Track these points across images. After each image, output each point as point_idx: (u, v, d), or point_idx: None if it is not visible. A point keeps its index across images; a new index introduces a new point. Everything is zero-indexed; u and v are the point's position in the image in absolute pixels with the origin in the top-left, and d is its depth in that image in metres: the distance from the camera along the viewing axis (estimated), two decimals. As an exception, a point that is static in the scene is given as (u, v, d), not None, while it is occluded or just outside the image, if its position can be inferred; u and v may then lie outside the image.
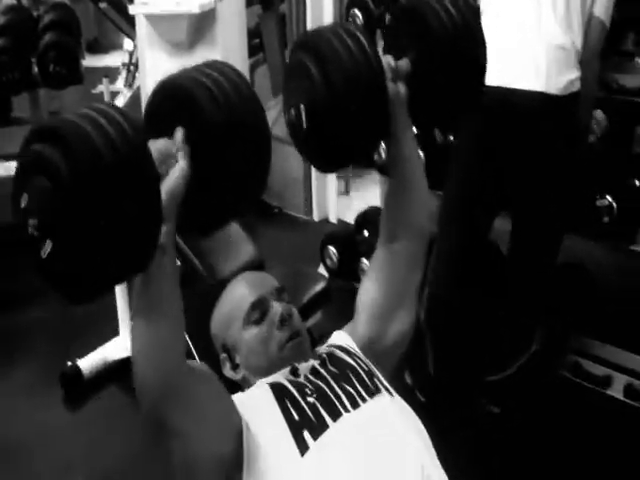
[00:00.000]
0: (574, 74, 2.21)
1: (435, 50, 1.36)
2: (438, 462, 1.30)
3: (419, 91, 1.37)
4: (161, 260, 1.09)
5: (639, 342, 2.67)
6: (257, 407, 1.30)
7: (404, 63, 1.37)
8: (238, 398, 1.33)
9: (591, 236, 2.57)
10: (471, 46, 1.39)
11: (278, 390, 1.32)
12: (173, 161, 1.12)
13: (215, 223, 1.23)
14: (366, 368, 1.40)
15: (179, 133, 1.14)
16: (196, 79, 1.14)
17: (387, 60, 1.35)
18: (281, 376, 1.37)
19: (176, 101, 1.14)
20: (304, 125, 1.28)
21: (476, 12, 1.40)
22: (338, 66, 1.24)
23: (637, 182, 2.42)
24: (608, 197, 2.43)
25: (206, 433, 1.21)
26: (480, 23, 1.42)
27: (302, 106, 1.28)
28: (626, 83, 2.43)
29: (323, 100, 1.25)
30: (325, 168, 1.39)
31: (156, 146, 1.11)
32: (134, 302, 1.14)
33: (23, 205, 0.99)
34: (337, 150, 1.31)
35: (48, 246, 0.97)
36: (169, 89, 1.16)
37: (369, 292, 1.47)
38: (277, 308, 1.46)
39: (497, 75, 1.85)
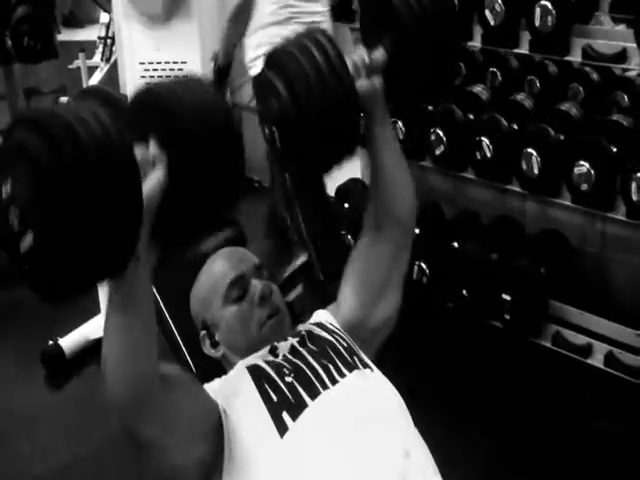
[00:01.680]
0: None
1: (407, 34, 1.36)
2: (417, 432, 1.31)
3: (396, 77, 1.37)
4: (135, 267, 1.07)
5: (619, 310, 2.69)
6: (235, 392, 1.29)
7: (379, 54, 1.36)
8: (216, 385, 1.32)
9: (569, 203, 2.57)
10: (441, 27, 1.39)
11: (255, 372, 1.31)
12: (148, 168, 1.11)
13: (189, 237, 1.23)
14: (345, 344, 1.40)
15: (153, 142, 1.13)
16: (170, 89, 1.15)
17: (361, 56, 1.34)
18: (259, 357, 1.37)
19: (151, 111, 1.15)
20: (278, 144, 1.30)
21: None
22: (304, 83, 1.24)
23: (614, 149, 2.42)
24: (585, 164, 2.43)
25: (181, 441, 1.20)
26: (452, 4, 1.44)
27: (274, 127, 1.30)
28: (601, 49, 2.43)
29: (292, 118, 1.26)
30: (303, 179, 1.42)
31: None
32: (107, 306, 1.12)
33: (4, 195, 0.98)
34: (313, 164, 1.34)
35: (28, 240, 0.96)
36: (144, 100, 1.17)
37: (354, 277, 1.47)
38: (257, 286, 1.46)
39: None
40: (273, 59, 1.33)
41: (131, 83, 3.46)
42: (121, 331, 1.11)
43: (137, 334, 1.11)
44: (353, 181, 3.34)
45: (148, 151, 1.12)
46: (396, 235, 1.44)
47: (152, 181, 1.10)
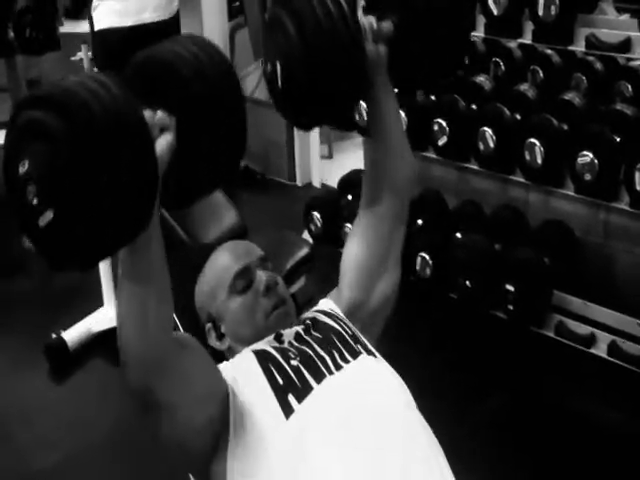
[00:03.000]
0: None
1: (417, 13, 1.36)
2: (421, 417, 1.31)
3: (400, 53, 1.36)
4: (148, 231, 1.07)
5: (622, 300, 2.69)
6: (242, 374, 1.30)
7: (386, 25, 1.36)
8: (223, 367, 1.33)
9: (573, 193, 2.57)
10: (454, 10, 1.39)
11: (262, 356, 1.33)
12: (156, 131, 1.11)
13: (196, 194, 1.23)
14: (350, 332, 1.41)
15: (160, 109, 1.12)
16: (176, 52, 1.14)
17: (369, 20, 1.35)
18: (266, 343, 1.38)
19: (157, 73, 1.14)
20: (279, 82, 1.28)
21: None
22: (313, 22, 1.24)
23: (618, 138, 2.41)
24: (589, 154, 2.42)
25: (194, 400, 1.21)
26: None
27: (277, 63, 1.28)
28: (605, 39, 2.42)
29: (298, 56, 1.25)
30: (300, 125, 1.39)
31: None
32: (121, 269, 1.12)
33: (21, 172, 0.98)
34: (312, 107, 1.31)
35: (48, 215, 0.96)
36: (150, 61, 1.16)
37: (352, 256, 1.48)
38: (262, 277, 1.47)
39: None
40: None
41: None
42: (136, 299, 1.12)
43: (153, 295, 1.12)
44: (356, 173, 3.34)
45: (155, 115, 1.12)
46: (392, 205, 1.45)
47: (161, 145, 1.10)
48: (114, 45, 2.83)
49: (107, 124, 0.96)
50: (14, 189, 1.00)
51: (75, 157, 0.95)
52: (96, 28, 2.87)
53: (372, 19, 1.36)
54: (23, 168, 0.98)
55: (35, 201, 0.97)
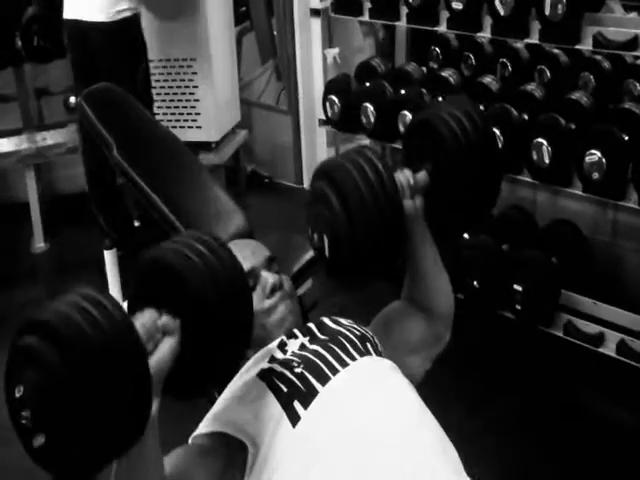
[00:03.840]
0: None
1: (450, 161, 1.39)
2: (432, 415, 1.30)
3: (436, 201, 1.41)
4: (146, 433, 1.06)
5: (631, 299, 2.69)
6: (257, 413, 1.26)
7: (422, 176, 1.40)
8: (238, 418, 1.27)
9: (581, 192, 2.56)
10: (484, 155, 1.41)
11: (265, 375, 1.30)
12: (159, 335, 1.11)
13: (196, 391, 1.23)
14: (358, 333, 1.39)
15: (164, 313, 1.13)
16: (183, 254, 1.14)
17: (406, 176, 1.38)
18: (268, 353, 1.35)
19: (164, 277, 1.14)
20: (326, 253, 1.33)
21: (487, 122, 1.44)
22: (357, 199, 1.28)
23: (626, 137, 2.41)
24: (597, 152, 2.41)
25: None
26: (493, 134, 1.48)
27: (324, 236, 1.33)
28: (612, 37, 2.42)
29: (344, 233, 1.29)
30: (347, 289, 1.46)
31: (142, 321, 1.10)
32: (115, 468, 1.11)
33: (17, 395, 1.01)
34: (358, 275, 1.38)
35: (40, 439, 0.99)
36: (157, 265, 1.16)
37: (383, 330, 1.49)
38: (267, 278, 1.44)
39: None
40: (324, 170, 1.36)
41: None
42: None
43: None
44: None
45: (159, 318, 1.12)
46: (433, 326, 1.51)
47: (163, 350, 1.10)
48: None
49: (101, 354, 0.97)
50: (11, 410, 1.02)
51: (67, 389, 0.96)
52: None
53: (408, 174, 1.39)
54: (19, 393, 1.00)
55: (29, 425, 1.00)
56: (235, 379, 1.34)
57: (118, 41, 3.01)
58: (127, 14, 3.02)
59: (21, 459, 1.03)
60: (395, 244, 1.34)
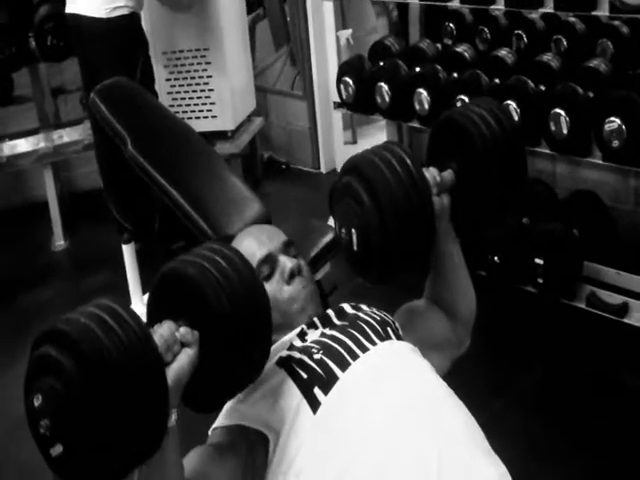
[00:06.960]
0: None
1: (477, 160, 1.38)
2: (455, 395, 1.29)
3: (460, 200, 1.40)
4: (166, 443, 1.08)
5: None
6: (277, 401, 1.26)
7: (448, 175, 1.39)
8: (257, 409, 1.28)
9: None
10: (511, 154, 1.40)
11: (285, 363, 1.30)
12: (177, 347, 1.12)
13: (214, 403, 1.25)
14: (378, 318, 1.38)
15: (183, 325, 1.14)
16: (202, 267, 1.15)
17: (433, 174, 1.37)
18: (288, 341, 1.35)
19: (183, 289, 1.16)
20: (355, 247, 1.33)
21: (513, 120, 1.45)
22: (388, 195, 1.28)
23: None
24: (616, 120, 2.37)
25: None
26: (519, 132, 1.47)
27: (353, 230, 1.32)
28: (629, 0, 2.36)
29: (374, 227, 1.29)
30: (374, 283, 1.44)
31: (161, 332, 1.11)
32: (137, 474, 1.12)
33: (36, 405, 1.02)
34: (386, 269, 1.36)
35: (58, 448, 1.00)
36: (176, 277, 1.17)
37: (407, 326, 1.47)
38: (286, 263, 1.43)
39: None
40: (353, 165, 1.35)
41: (155, 74, 3.49)
42: None
43: None
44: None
45: (177, 329, 1.13)
46: (455, 327, 1.51)
47: (182, 361, 1.11)
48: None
49: (119, 365, 0.99)
50: (31, 419, 1.04)
51: (85, 399, 0.98)
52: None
53: (435, 172, 1.37)
54: (37, 402, 1.02)
55: (48, 434, 1.01)
56: None
57: (113, 38, 2.98)
58: (124, 12, 2.99)
59: (30, 458, 1.05)
60: (426, 239, 1.34)
